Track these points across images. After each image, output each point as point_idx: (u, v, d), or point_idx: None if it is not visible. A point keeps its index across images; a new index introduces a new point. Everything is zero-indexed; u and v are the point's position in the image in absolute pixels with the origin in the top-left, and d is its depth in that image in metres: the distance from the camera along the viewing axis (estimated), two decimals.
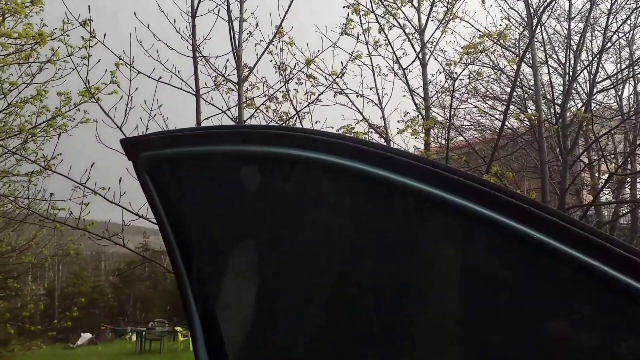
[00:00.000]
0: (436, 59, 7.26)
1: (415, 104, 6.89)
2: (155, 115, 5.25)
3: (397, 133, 6.65)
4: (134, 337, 21.10)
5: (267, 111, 6.64)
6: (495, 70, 8.53)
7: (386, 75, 6.98)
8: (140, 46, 5.41)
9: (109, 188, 5.12)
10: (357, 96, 6.90)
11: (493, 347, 1.39)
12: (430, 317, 1.49)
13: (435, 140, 7.49)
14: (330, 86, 6.54)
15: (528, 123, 7.17)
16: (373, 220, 1.53)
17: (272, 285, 1.78)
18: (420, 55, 6.93)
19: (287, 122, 6.78)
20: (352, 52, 6.47)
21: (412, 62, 6.94)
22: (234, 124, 5.97)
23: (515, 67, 6.81)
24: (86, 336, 23.17)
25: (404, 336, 1.52)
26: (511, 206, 1.26)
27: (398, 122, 7.06)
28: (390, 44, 6.87)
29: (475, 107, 9.35)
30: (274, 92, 6.53)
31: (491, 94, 9.42)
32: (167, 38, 5.69)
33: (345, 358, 1.63)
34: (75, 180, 5.33)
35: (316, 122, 6.50)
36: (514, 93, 7.40)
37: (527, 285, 1.32)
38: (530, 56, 7.18)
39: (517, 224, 1.25)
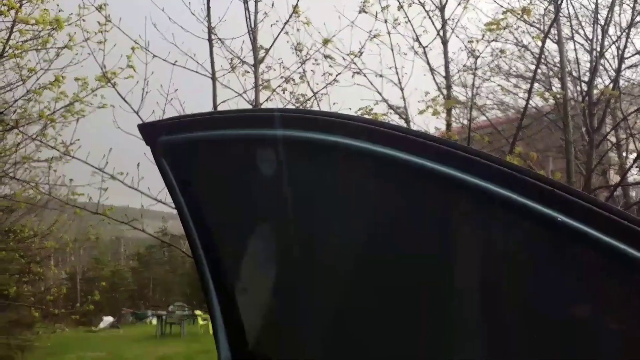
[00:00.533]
0: (457, 37, 7.07)
1: (436, 83, 6.73)
2: (171, 99, 5.21)
3: (418, 113, 6.51)
4: (154, 321, 21.52)
5: (283, 93, 6.55)
6: (519, 47, 8.29)
7: (406, 54, 6.82)
8: (156, 29, 5.35)
9: (127, 173, 5.11)
10: (376, 76, 6.77)
11: (519, 330, 1.35)
12: (453, 301, 1.44)
13: (457, 121, 7.34)
14: (348, 66, 6.41)
15: (553, 101, 6.96)
16: (393, 203, 1.50)
17: (289, 269, 1.74)
18: (441, 33, 6.74)
19: (304, 104, 6.67)
20: (371, 31, 6.32)
21: (433, 40, 6.76)
22: (250, 107, 5.89)
23: (539, 43, 6.57)
24: (108, 320, 23.69)
25: (428, 320, 1.48)
26: (535, 188, 1.22)
27: (418, 102, 6.90)
28: (409, 21, 6.69)
29: (498, 85, 9.13)
30: (291, 74, 6.43)
31: (515, 71, 9.19)
32: (183, 21, 5.61)
33: (365, 342, 1.60)
34: (93, 165, 5.34)
35: (334, 104, 6.39)
36: (539, 70, 7.18)
37: (552, 269, 1.28)
38: (556, 32, 6.93)
39: (542, 206, 1.21)
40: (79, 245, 17.82)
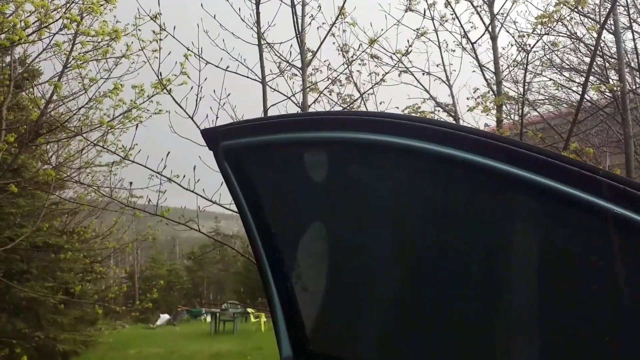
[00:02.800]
0: (507, 31, 6.89)
1: (486, 80, 6.61)
2: (224, 104, 5.37)
3: (467, 111, 6.41)
4: (208, 318, 22.08)
5: (330, 95, 6.61)
6: (572, 40, 7.99)
7: (454, 51, 6.74)
8: (208, 37, 5.53)
9: (184, 176, 5.31)
10: (423, 74, 6.72)
11: (585, 331, 1.32)
12: (511, 300, 1.44)
13: (508, 117, 7.16)
14: (396, 65, 6.39)
15: (610, 94, 6.67)
16: (448, 202, 1.49)
17: (348, 268, 1.78)
18: (489, 28, 6.61)
19: (351, 105, 6.71)
20: (418, 29, 6.28)
21: (482, 36, 6.65)
22: (299, 109, 6.00)
23: (595, 34, 6.33)
24: (164, 317, 24.52)
25: (485, 319, 1.48)
26: (604, 186, 1.17)
27: (467, 99, 6.81)
28: (457, 17, 6.60)
29: (551, 79, 8.82)
30: (338, 75, 6.48)
31: (568, 65, 8.84)
32: (233, 27, 5.77)
33: (421, 338, 1.62)
34: (152, 169, 5.57)
35: (381, 103, 6.40)
36: (594, 63, 6.90)
37: (623, 269, 1.23)
38: (612, 22, 6.65)
39: (611, 204, 1.16)
40: (137, 245, 18.56)
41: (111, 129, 7.39)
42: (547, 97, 9.61)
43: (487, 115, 6.29)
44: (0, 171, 6.82)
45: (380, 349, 1.77)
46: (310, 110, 6.07)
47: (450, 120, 6.96)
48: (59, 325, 10.27)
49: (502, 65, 6.73)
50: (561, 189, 1.20)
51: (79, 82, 7.43)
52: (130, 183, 6.99)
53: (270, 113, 5.78)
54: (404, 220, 1.58)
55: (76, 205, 11.17)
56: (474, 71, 6.78)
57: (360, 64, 6.46)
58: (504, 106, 6.55)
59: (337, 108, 6.70)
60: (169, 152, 5.46)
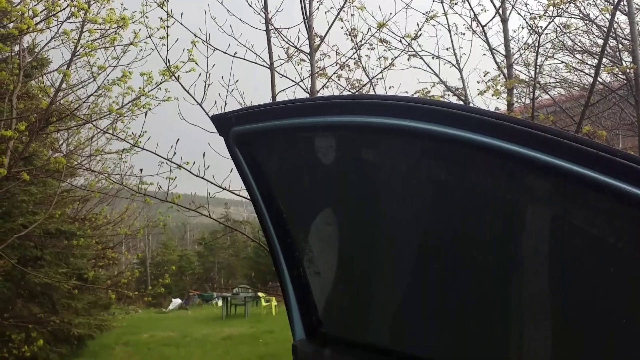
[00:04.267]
0: (518, 13, 6.79)
1: (497, 63, 6.53)
2: (232, 90, 5.36)
3: (477, 94, 6.36)
4: (220, 303, 22.34)
5: (339, 80, 6.57)
6: (585, 21, 7.84)
7: (464, 34, 6.65)
8: (215, 23, 5.50)
9: (194, 163, 5.33)
10: (433, 58, 6.65)
11: (602, 316, 1.30)
12: (527, 286, 1.43)
13: (519, 100, 7.09)
14: (405, 49, 6.33)
15: (623, 76, 6.57)
16: (460, 185, 1.48)
17: (359, 253, 1.79)
18: (500, 11, 6.51)
19: (359, 90, 6.68)
20: (427, 12, 6.20)
21: (492, 19, 6.54)
22: (307, 95, 5.98)
23: (608, 16, 6.22)
24: (176, 301, 24.82)
25: (499, 304, 1.48)
26: (620, 167, 1.15)
27: (478, 82, 6.74)
28: (467, 0, 6.51)
29: (563, 62, 8.69)
30: (346, 60, 6.44)
31: (580, 47, 8.69)
32: (240, 13, 5.74)
33: (432, 322, 1.63)
34: (162, 155, 5.59)
35: (390, 88, 6.35)
36: (607, 44, 6.78)
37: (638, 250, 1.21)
38: (626, 2, 6.52)
39: (630, 186, 1.13)
40: (149, 231, 18.74)
41: (120, 116, 7.43)
42: (558, 80, 9.49)
43: (497, 98, 6.24)
44: (12, 159, 6.88)
45: (390, 332, 1.79)
46: (319, 95, 6.05)
47: (461, 104, 6.91)
48: (73, 310, 10.45)
49: (513, 48, 6.63)
50: (578, 170, 1.19)
51: (87, 70, 7.44)
52: (141, 170, 7.05)
53: (279, 99, 5.77)
54: (416, 204, 1.57)
55: (87, 192, 11.28)
56: (484, 54, 6.71)
57: (369, 49, 6.41)
58: (514, 89, 6.48)
59: (346, 93, 6.66)
60: (178, 139, 5.49)
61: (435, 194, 1.53)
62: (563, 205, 1.33)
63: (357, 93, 6.62)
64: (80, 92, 8.61)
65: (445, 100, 6.85)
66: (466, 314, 1.55)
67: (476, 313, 1.52)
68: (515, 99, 6.67)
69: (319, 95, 6.07)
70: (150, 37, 6.24)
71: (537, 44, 6.10)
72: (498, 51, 6.56)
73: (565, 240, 1.34)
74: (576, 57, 8.89)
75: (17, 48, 8.20)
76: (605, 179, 1.17)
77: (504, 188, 1.39)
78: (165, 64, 5.79)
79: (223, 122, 1.82)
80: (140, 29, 6.72)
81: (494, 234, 1.45)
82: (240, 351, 11.00)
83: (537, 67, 6.60)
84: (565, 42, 8.32)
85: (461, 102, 6.79)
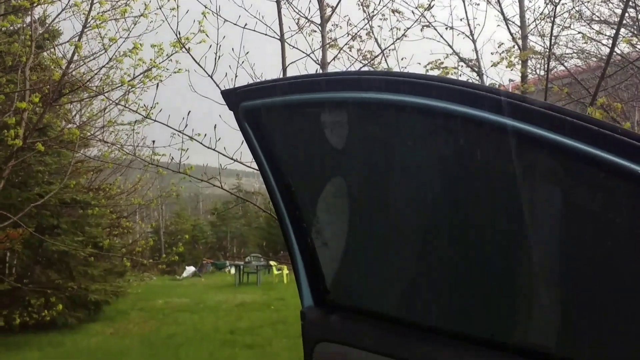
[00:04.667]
0: None
1: (511, 34, 6.42)
2: (242, 62, 5.35)
3: (491, 66, 6.28)
4: (232, 270, 22.74)
5: (350, 51, 6.52)
6: None
7: (478, 5, 6.55)
8: None
9: (205, 134, 5.38)
10: (447, 29, 6.56)
11: (600, 289, 1.35)
12: (530, 259, 1.47)
13: (533, 72, 6.98)
14: (418, 20, 6.24)
15: None
16: (465, 161, 1.50)
17: (365, 223, 1.84)
18: None
19: (371, 62, 6.62)
20: None
21: None
22: (318, 66, 5.95)
23: None
24: (190, 269, 25.30)
25: (505, 275, 1.52)
26: (622, 144, 1.17)
27: (492, 54, 6.64)
28: None
29: (579, 33, 8.49)
30: (358, 31, 6.37)
31: (598, 17, 8.48)
32: None
33: (438, 292, 1.68)
34: (173, 127, 5.65)
35: (402, 59, 6.30)
36: (626, 14, 6.61)
37: None
38: None
39: (630, 162, 1.16)
40: (162, 201, 19.00)
41: (132, 88, 7.46)
42: (575, 51, 9.30)
43: (511, 70, 6.16)
44: (27, 131, 6.99)
45: (396, 301, 1.85)
46: (330, 67, 6.02)
47: (474, 75, 6.84)
48: (89, 276, 10.74)
49: (528, 19, 6.51)
50: (581, 147, 1.21)
51: (98, 42, 7.46)
52: (153, 141, 7.10)
53: (289, 70, 5.76)
54: (423, 177, 1.60)
55: (101, 163, 11.43)
56: (498, 25, 6.60)
57: (381, 19, 6.33)
58: (529, 61, 6.39)
59: (358, 65, 6.61)
60: (189, 112, 5.52)
61: (442, 168, 1.56)
62: (571, 182, 1.35)
63: (369, 65, 6.57)
64: (91, 64, 8.65)
65: (459, 71, 6.78)
66: (474, 283, 1.59)
67: (484, 282, 1.56)
68: (529, 71, 6.58)
69: (330, 66, 6.04)
70: (160, 8, 6.21)
71: (553, 14, 5.97)
72: (513, 22, 6.45)
73: (566, 215, 1.37)
74: (593, 28, 8.69)
75: (28, 20, 8.21)
76: (606, 156, 1.19)
77: (508, 164, 1.41)
78: (176, 35, 5.78)
79: (232, 97, 1.84)
80: (150, 0, 6.69)
81: (500, 209, 1.48)
82: (253, 317, 11.28)
83: (553, 38, 6.47)
84: (582, 12, 8.12)
85: (475, 74, 6.72)
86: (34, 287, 9.70)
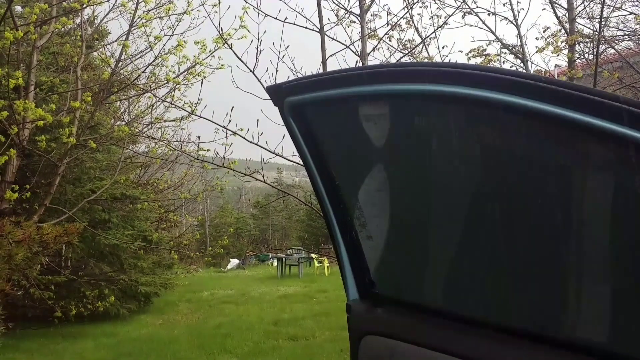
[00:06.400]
0: None
1: (557, 17, 6.19)
2: (283, 56, 5.39)
3: (536, 52, 6.09)
4: (275, 263, 23.08)
5: (390, 41, 6.45)
6: None
7: None
8: None
9: (248, 129, 5.46)
10: (489, 15, 6.40)
11: None
12: (580, 248, 1.44)
13: (581, 56, 6.71)
14: (459, 7, 6.11)
15: None
16: (511, 151, 1.47)
17: (410, 217, 1.83)
18: None
19: (412, 51, 6.53)
20: None
21: None
22: (358, 58, 5.92)
23: None
24: (234, 261, 25.84)
25: (553, 266, 1.48)
26: None
27: (537, 39, 6.46)
28: None
29: (632, 13, 8.10)
30: (398, 20, 6.29)
31: None
32: None
33: (484, 284, 1.66)
34: (217, 123, 5.76)
35: (443, 47, 6.18)
36: None
37: None
38: None
39: None
40: (207, 195, 19.44)
41: (177, 85, 7.66)
42: (627, 33, 8.85)
43: (557, 55, 5.96)
44: (80, 129, 7.30)
45: (442, 293, 1.84)
46: (369, 58, 5.98)
47: (517, 62, 6.65)
48: (139, 269, 11.13)
49: (575, 1, 6.26)
50: (636, 136, 1.16)
51: (144, 41, 7.70)
52: (198, 137, 7.28)
53: (329, 63, 5.76)
54: (468, 169, 1.58)
55: (149, 158, 11.80)
56: (544, 9, 6.37)
57: (421, 7, 6.23)
58: (577, 45, 6.15)
59: (398, 55, 6.55)
60: (233, 107, 5.62)
61: (488, 159, 1.54)
62: (626, 173, 1.31)
63: (409, 54, 6.49)
64: (138, 62, 8.92)
65: (502, 59, 6.60)
66: (523, 275, 1.56)
67: (534, 275, 1.53)
68: (577, 55, 6.33)
69: (369, 57, 6.01)
70: (202, 4, 6.36)
71: None
72: (559, 4, 6.22)
73: (620, 203, 1.33)
74: None
75: (78, 21, 8.55)
76: None
77: (556, 153, 1.38)
78: (218, 31, 5.88)
79: (277, 92, 1.86)
80: None
81: (550, 199, 1.45)
82: (295, 309, 11.42)
83: (603, 19, 6.20)
84: None
85: (518, 60, 6.53)
86: (88, 279, 10.15)
